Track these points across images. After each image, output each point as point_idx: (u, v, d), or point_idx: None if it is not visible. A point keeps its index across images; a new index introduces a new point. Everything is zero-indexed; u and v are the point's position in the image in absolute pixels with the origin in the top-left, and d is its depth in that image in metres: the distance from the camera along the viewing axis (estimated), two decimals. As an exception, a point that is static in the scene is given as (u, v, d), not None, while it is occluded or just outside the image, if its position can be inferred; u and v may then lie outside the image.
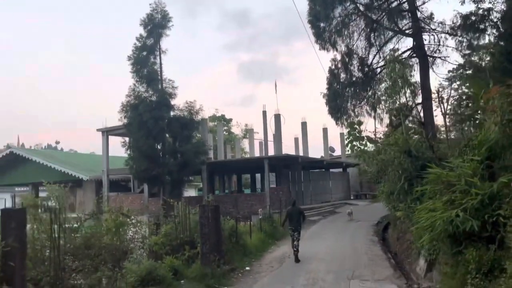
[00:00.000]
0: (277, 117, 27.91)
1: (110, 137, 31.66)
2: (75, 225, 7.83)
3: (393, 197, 14.37)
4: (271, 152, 30.27)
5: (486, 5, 15.16)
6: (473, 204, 7.00)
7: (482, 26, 15.56)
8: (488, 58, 16.43)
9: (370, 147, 13.08)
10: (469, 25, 15.34)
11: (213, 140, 35.68)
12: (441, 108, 12.47)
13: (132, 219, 9.66)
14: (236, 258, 12.43)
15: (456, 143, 10.30)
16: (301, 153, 33.47)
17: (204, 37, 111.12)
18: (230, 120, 66.03)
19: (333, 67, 17.54)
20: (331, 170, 38.81)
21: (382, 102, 14.91)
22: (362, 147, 12.03)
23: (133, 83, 23.33)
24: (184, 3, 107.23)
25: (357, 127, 11.40)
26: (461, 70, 18.18)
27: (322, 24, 17.07)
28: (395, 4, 17.06)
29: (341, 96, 17.66)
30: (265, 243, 15.81)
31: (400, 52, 15.22)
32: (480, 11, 15.18)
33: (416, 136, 12.30)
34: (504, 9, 14.61)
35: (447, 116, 12.81)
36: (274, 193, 25.37)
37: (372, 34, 17.67)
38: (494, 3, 14.92)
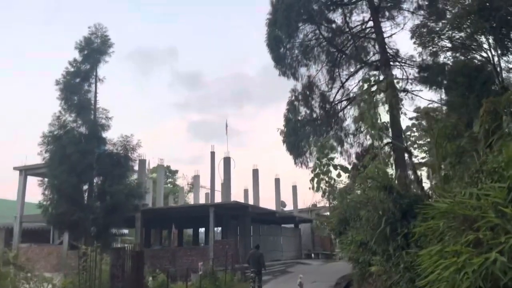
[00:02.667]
0: (227, 161, 25.51)
1: (30, 177, 27.44)
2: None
3: (364, 249, 12.09)
4: (219, 201, 27.46)
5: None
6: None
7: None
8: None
9: (338, 183, 10.93)
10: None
11: (153, 188, 32.25)
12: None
13: (26, 272, 7.93)
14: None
15: (458, 171, 8.35)
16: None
17: (156, 95, 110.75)
18: (176, 172, 62.67)
19: (293, 98, 15.77)
20: (282, 225, 36.22)
21: (350, 137, 13.11)
22: (331, 182, 9.84)
23: (59, 111, 20.17)
24: (138, 62, 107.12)
25: (329, 151, 9.29)
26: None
27: (281, 50, 15.42)
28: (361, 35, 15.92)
29: (301, 130, 15.72)
30: (205, 307, 12.71)
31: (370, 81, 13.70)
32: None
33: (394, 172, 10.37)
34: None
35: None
36: (219, 247, 22.26)
37: (335, 66, 16.29)
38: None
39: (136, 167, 25.51)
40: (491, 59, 14.37)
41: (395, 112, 14.53)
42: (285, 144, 16.64)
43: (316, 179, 9.97)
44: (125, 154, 20.34)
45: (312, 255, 38.80)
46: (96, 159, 19.67)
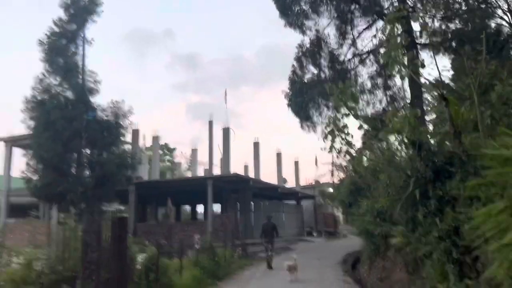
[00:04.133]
0: (226, 132, 24.09)
1: (16, 149, 26.11)
2: None
3: (381, 219, 10.79)
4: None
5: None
6: None
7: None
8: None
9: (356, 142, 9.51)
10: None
11: (149, 164, 30.88)
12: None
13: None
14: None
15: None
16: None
17: (153, 77, 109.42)
18: (174, 149, 61.34)
19: (300, 54, 14.24)
20: (284, 202, 35.08)
21: (366, 94, 11.66)
22: (348, 138, 8.44)
23: (42, 73, 18.61)
24: (135, 43, 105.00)
25: (349, 99, 7.83)
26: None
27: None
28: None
29: (307, 92, 14.24)
30: (201, 284, 11.47)
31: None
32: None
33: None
34: None
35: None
36: (218, 222, 21.06)
37: (346, 21, 14.69)
38: None
39: (129, 138, 24.16)
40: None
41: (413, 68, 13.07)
42: (290, 108, 15.23)
43: (330, 137, 8.55)
44: (115, 121, 18.88)
45: (315, 233, 37.79)
46: (84, 126, 18.23)
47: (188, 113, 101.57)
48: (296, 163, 41.70)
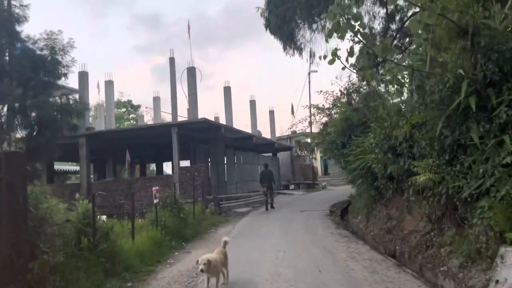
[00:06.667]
0: (191, 71, 21.04)
1: None
2: None
3: (393, 153, 8.48)
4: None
5: None
6: None
7: None
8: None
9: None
10: None
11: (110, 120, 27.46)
12: None
13: None
14: (89, 283, 5.62)
15: None
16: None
17: (114, 39, 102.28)
18: (138, 106, 57.39)
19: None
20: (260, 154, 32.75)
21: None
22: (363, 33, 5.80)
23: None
24: (93, 4, 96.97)
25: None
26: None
27: None
28: None
29: (291, 4, 11.34)
30: (162, 249, 9.02)
31: None
32: None
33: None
34: None
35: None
36: (186, 175, 18.47)
37: None
38: None
39: (76, 82, 20.76)
40: None
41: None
42: (268, 29, 12.42)
43: (336, 34, 5.89)
44: (52, 57, 15.48)
45: (292, 185, 36.04)
46: (9, 62, 14.81)
47: (154, 75, 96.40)
48: (272, 113, 39.22)
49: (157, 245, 8.91)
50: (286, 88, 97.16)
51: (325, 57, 6.64)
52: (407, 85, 6.66)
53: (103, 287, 6.02)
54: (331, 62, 6.38)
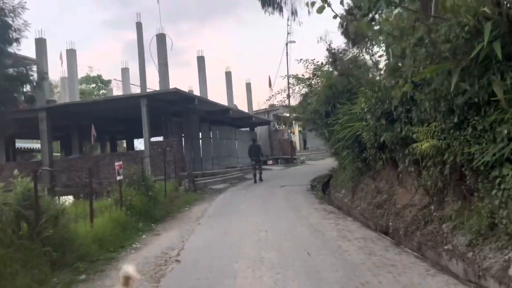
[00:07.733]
0: (161, 38, 19.53)
1: None
2: None
3: (387, 118, 7.60)
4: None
5: None
6: None
7: None
8: None
9: None
10: None
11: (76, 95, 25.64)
12: None
13: None
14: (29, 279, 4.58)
15: None
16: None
17: (81, 15, 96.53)
18: (109, 82, 54.80)
19: None
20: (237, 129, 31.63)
21: None
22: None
23: None
24: None
25: None
26: None
27: None
28: None
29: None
30: (127, 232, 7.98)
31: None
32: None
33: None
34: None
35: None
36: (157, 150, 17.30)
37: None
38: None
39: (33, 51, 18.99)
40: None
41: None
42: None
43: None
44: (0, 19, 13.82)
45: (270, 161, 35.24)
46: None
47: (125, 52, 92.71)
48: (248, 85, 37.94)
49: (121, 227, 7.86)
50: (264, 64, 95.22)
51: (312, 4, 5.66)
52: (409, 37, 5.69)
53: (48, 283, 4.97)
54: (320, 10, 5.38)
